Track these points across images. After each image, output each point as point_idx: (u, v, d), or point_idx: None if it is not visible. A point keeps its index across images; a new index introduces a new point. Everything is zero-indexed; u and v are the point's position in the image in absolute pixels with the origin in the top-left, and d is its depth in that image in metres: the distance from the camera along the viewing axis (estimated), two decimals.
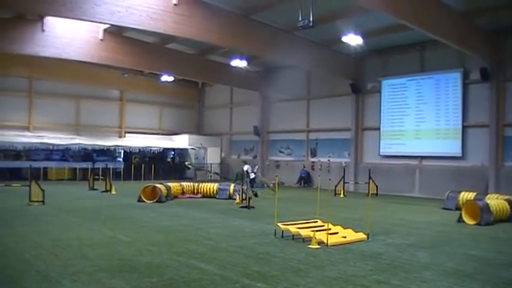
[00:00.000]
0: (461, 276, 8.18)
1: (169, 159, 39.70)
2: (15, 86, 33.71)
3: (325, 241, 10.61)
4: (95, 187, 24.83)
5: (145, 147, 36.46)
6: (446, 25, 19.98)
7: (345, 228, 11.99)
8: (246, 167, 22.71)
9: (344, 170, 27.35)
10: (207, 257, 9.26)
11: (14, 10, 22.42)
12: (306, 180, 32.26)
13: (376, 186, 24.82)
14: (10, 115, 33.36)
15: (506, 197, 16.96)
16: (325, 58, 27.37)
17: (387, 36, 25.06)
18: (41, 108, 34.57)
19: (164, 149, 38.14)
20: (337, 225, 12.13)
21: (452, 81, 25.06)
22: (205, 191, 22.46)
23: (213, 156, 39.50)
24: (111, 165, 28.78)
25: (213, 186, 22.48)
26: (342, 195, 24.49)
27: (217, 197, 21.75)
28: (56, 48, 24.05)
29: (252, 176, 22.89)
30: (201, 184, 23.21)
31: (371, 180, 24.36)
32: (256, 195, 21.91)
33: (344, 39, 22.07)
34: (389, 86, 28.05)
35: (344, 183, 25.45)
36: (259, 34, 23.87)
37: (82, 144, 33.39)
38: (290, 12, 20.79)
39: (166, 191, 20.20)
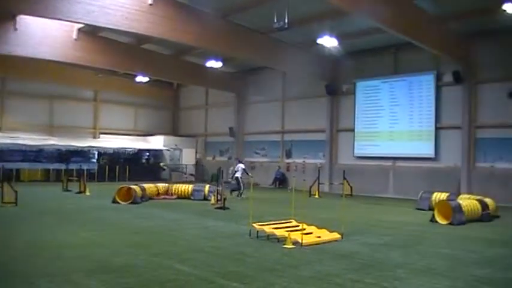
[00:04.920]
0: (433, 274, 8.31)
1: (144, 161, 39.34)
2: None
3: (300, 241, 10.64)
4: (68, 188, 24.47)
5: (120, 148, 36.09)
6: (420, 28, 20.29)
7: (319, 229, 12.05)
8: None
9: (319, 171, 27.41)
10: (182, 257, 9.23)
11: None
12: (281, 181, 32.30)
13: (351, 187, 24.89)
14: None
15: (478, 197, 17.25)
16: (301, 60, 27.33)
17: (362, 38, 25.26)
18: (14, 109, 33.97)
19: (139, 150, 37.80)
20: (312, 225, 12.18)
21: (425, 83, 25.38)
22: (180, 192, 22.34)
23: (188, 158, 39.26)
24: (85, 167, 28.34)
25: (188, 188, 22.41)
26: (316, 196, 24.62)
27: (192, 198, 21.63)
28: (29, 48, 23.71)
29: (238, 175, 22.80)
30: (176, 185, 23.15)
31: (345, 181, 24.41)
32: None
33: (319, 41, 22.13)
34: (363, 88, 28.29)
35: (319, 184, 25.60)
36: (236, 35, 23.92)
37: (56, 145, 32.90)
38: (266, 14, 20.79)
39: (141, 192, 20.09)
